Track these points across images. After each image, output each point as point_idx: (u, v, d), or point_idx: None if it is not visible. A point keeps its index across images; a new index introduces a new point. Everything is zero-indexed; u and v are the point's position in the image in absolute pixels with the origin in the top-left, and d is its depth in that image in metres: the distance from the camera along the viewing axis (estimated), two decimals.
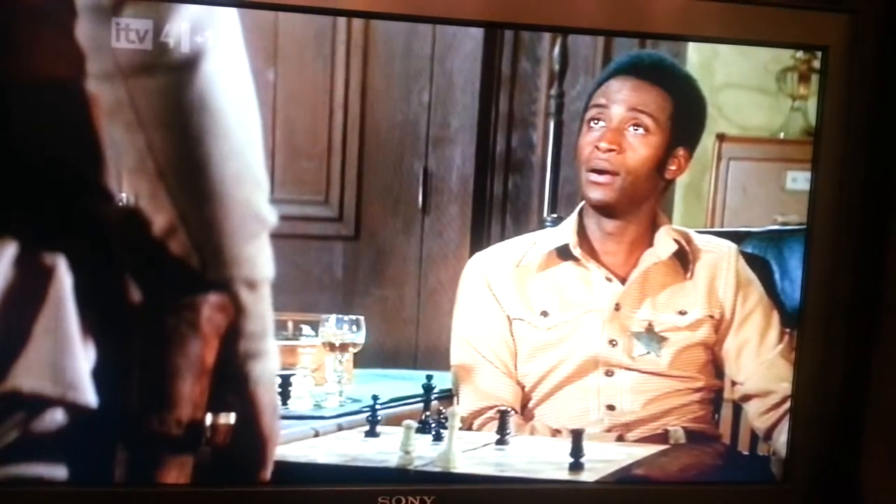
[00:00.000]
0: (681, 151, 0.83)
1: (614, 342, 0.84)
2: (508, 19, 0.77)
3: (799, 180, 0.83)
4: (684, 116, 0.82)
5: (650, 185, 0.83)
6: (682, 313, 0.85)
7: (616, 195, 0.83)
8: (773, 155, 0.84)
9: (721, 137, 0.83)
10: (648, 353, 0.84)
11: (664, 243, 0.85)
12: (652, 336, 0.84)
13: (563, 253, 0.84)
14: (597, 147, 0.82)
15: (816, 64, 0.81)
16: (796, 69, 0.82)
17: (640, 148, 0.82)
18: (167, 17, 0.69)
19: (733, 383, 0.86)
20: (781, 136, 0.84)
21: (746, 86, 0.82)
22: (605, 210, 0.84)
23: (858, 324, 0.87)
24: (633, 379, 0.84)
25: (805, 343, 0.84)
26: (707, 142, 0.84)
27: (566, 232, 0.84)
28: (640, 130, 0.81)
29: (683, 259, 0.85)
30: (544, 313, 0.84)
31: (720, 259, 0.85)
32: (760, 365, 0.85)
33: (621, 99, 0.82)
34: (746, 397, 0.85)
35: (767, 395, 0.85)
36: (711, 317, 0.85)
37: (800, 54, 0.81)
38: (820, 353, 0.84)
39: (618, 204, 0.84)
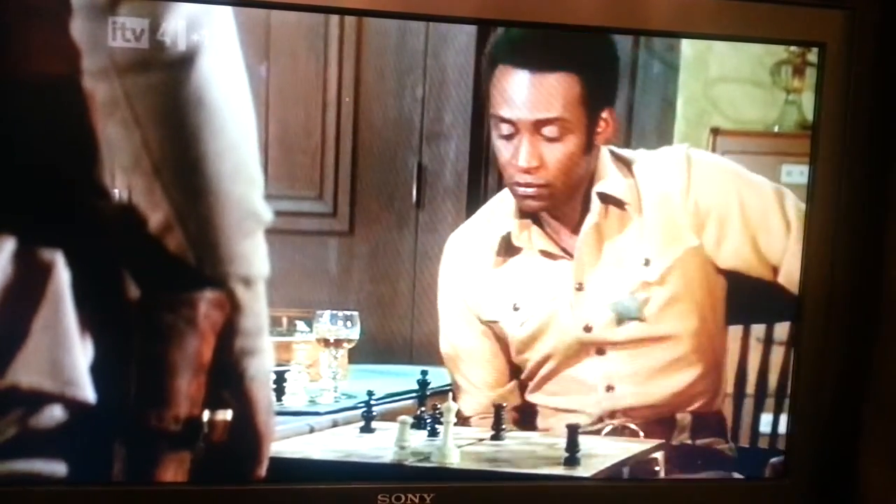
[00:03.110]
0: (604, 114, 0.81)
1: (589, 328, 0.84)
2: (501, 16, 0.79)
3: (794, 174, 0.85)
4: (596, 84, 0.80)
5: (583, 165, 0.82)
6: (646, 263, 0.83)
7: (549, 200, 0.83)
8: (767, 149, 0.87)
9: (715, 131, 0.86)
10: (630, 318, 0.84)
11: (593, 204, 0.83)
12: (629, 300, 0.84)
13: (509, 247, 0.85)
14: (514, 165, 0.81)
15: (811, 57, 0.84)
16: (790, 62, 0.85)
17: (560, 152, 0.81)
18: (163, 15, 0.73)
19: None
20: (776, 129, 0.86)
21: (740, 79, 0.85)
22: (541, 210, 0.84)
23: (857, 318, 0.89)
24: (627, 353, 0.85)
25: (803, 337, 0.87)
26: (702, 136, 0.86)
27: (505, 218, 0.84)
28: (555, 137, 0.80)
29: (619, 203, 0.83)
30: (516, 308, 0.85)
31: (668, 171, 0.82)
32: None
33: (523, 107, 0.79)
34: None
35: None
36: (686, 252, 0.83)
37: (794, 48, 0.84)
38: (818, 347, 0.87)
39: (554, 203, 0.83)
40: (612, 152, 0.84)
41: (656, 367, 0.86)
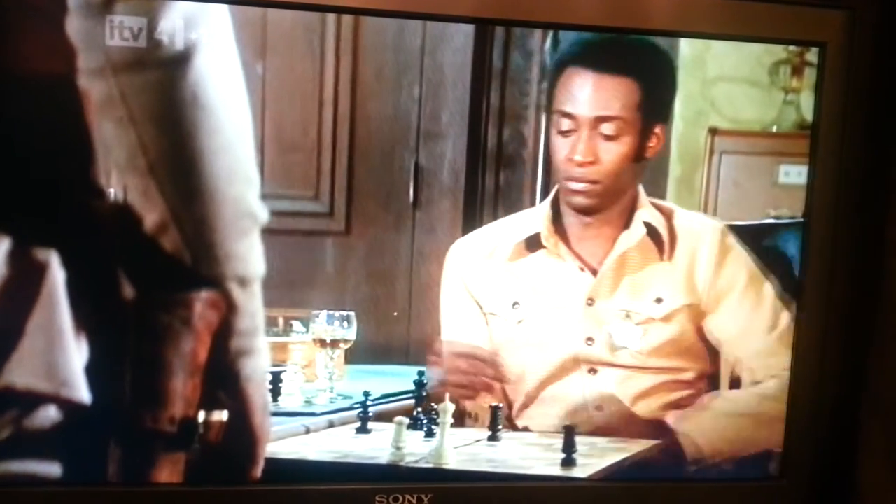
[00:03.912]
0: (657, 129, 0.86)
1: (591, 340, 0.87)
2: (499, 15, 0.80)
3: (791, 174, 0.86)
4: (654, 95, 0.85)
5: (631, 174, 0.86)
6: (658, 301, 0.87)
7: (598, 199, 0.86)
8: (765, 149, 0.87)
9: (713, 131, 0.87)
10: (628, 347, 0.87)
11: (636, 227, 0.87)
12: (630, 329, 0.87)
13: (534, 243, 0.88)
14: (571, 160, 0.85)
15: (809, 57, 0.85)
16: (789, 62, 0.85)
17: (615, 153, 0.84)
18: (161, 13, 0.73)
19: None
20: (774, 129, 0.87)
21: (739, 79, 0.85)
22: (586, 210, 0.87)
23: (855, 318, 0.89)
24: (619, 376, 0.87)
25: (802, 337, 0.88)
26: (699, 136, 0.87)
27: (538, 220, 0.87)
28: (612, 136, 0.84)
29: (658, 239, 0.87)
30: (515, 304, 0.87)
31: (702, 237, 0.87)
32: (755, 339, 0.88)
33: (585, 104, 0.84)
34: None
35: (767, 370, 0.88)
36: (689, 305, 0.87)
37: (793, 47, 0.85)
38: (817, 347, 0.88)
39: (601, 204, 0.87)
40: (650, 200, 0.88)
41: (647, 389, 0.88)
